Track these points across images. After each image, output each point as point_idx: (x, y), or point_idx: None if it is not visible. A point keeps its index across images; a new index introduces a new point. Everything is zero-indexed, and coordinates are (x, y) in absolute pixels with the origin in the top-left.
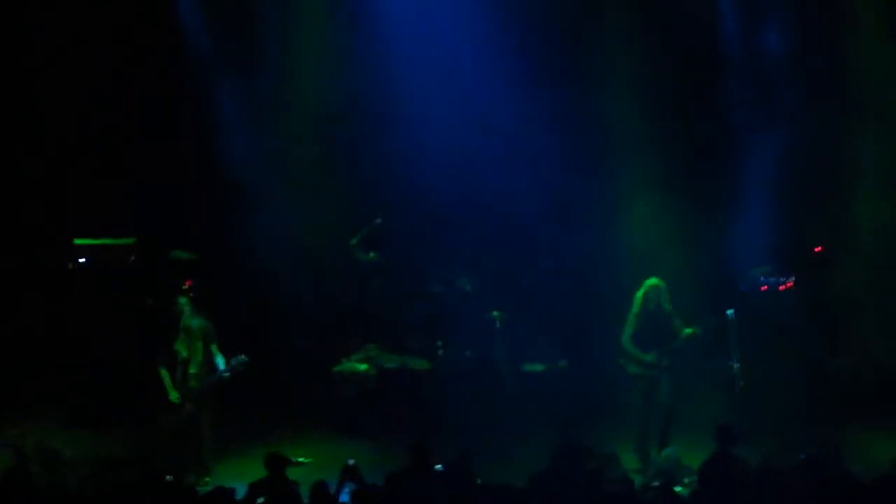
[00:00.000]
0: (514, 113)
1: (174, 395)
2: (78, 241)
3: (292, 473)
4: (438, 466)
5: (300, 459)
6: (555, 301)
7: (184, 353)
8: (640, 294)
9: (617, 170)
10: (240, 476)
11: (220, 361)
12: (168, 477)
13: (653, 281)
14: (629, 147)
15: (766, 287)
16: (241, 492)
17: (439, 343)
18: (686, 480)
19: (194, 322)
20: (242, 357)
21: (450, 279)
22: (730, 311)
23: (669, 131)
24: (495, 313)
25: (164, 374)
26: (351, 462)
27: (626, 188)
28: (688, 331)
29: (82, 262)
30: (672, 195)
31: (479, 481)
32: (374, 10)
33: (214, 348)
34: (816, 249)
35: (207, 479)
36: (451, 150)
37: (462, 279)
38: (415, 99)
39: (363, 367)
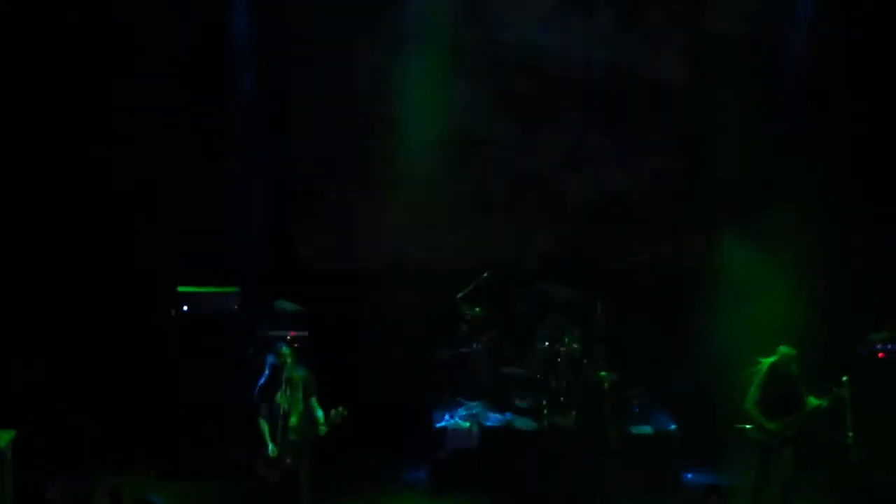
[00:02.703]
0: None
1: (272, 449)
2: (182, 289)
3: None
4: None
5: None
6: (665, 365)
7: (284, 405)
8: (768, 361)
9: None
10: None
11: (320, 415)
12: None
13: (785, 349)
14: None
15: (883, 354)
16: None
17: (545, 402)
18: None
19: (296, 373)
20: (341, 410)
21: (558, 337)
22: (844, 378)
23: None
24: (603, 374)
25: (264, 425)
26: None
27: (737, 249)
28: (815, 402)
29: (185, 310)
30: (785, 256)
31: None
32: None
33: (314, 401)
34: None
35: None
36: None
37: (570, 338)
38: None
39: (466, 424)
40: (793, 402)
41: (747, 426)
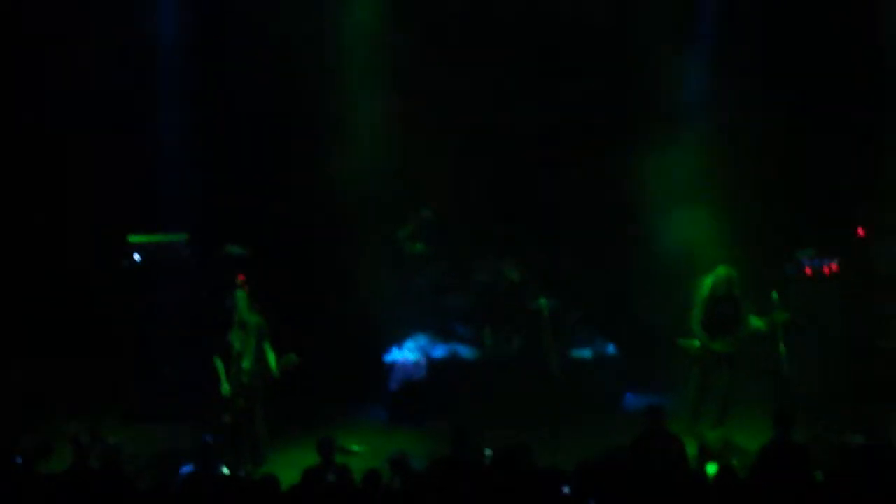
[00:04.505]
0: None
1: (226, 388)
2: (132, 238)
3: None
4: (488, 451)
5: (353, 448)
6: (602, 289)
7: (237, 346)
8: (708, 280)
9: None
10: (297, 464)
11: (272, 359)
12: (223, 469)
13: (723, 269)
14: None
15: (810, 270)
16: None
17: (487, 332)
18: (734, 462)
19: (251, 318)
20: (293, 356)
21: (496, 269)
22: (774, 294)
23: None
24: (542, 301)
25: (220, 365)
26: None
27: (669, 168)
28: (758, 323)
29: (137, 259)
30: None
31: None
32: None
33: (266, 345)
34: (860, 231)
35: (263, 469)
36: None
37: (509, 268)
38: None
39: (413, 356)
40: (734, 321)
41: (694, 342)
